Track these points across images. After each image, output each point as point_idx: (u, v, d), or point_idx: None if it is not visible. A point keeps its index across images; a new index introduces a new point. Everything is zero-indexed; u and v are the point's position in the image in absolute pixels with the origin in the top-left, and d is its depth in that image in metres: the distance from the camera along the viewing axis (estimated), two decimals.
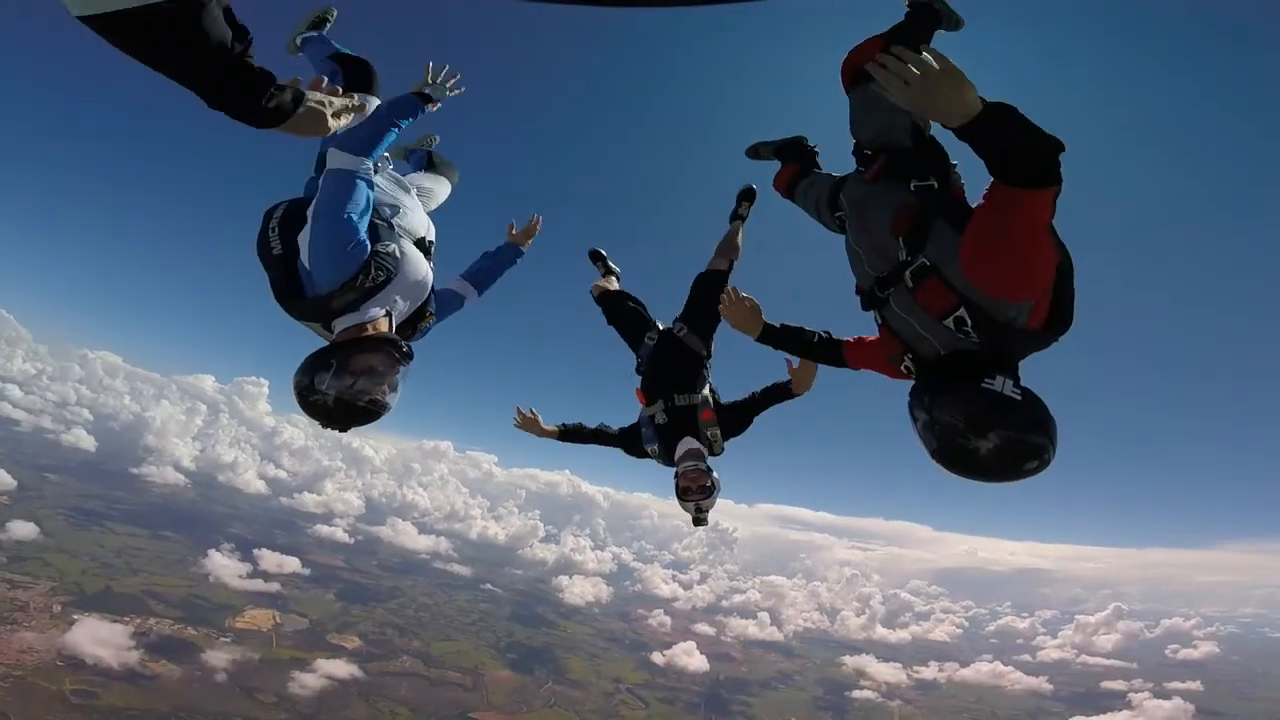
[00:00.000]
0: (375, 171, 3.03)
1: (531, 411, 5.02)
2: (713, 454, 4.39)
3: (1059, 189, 1.87)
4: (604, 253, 5.74)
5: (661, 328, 4.90)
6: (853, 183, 2.97)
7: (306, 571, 78.93)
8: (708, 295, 4.53)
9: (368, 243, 2.71)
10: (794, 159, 3.89)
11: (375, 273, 2.67)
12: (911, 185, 2.54)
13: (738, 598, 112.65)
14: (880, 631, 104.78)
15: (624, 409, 4.80)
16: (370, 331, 2.69)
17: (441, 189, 3.91)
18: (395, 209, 3.05)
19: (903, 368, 2.59)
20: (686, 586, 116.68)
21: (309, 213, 2.77)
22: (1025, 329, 2.17)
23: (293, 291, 2.72)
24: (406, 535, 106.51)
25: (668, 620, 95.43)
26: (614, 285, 5.48)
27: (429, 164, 4.13)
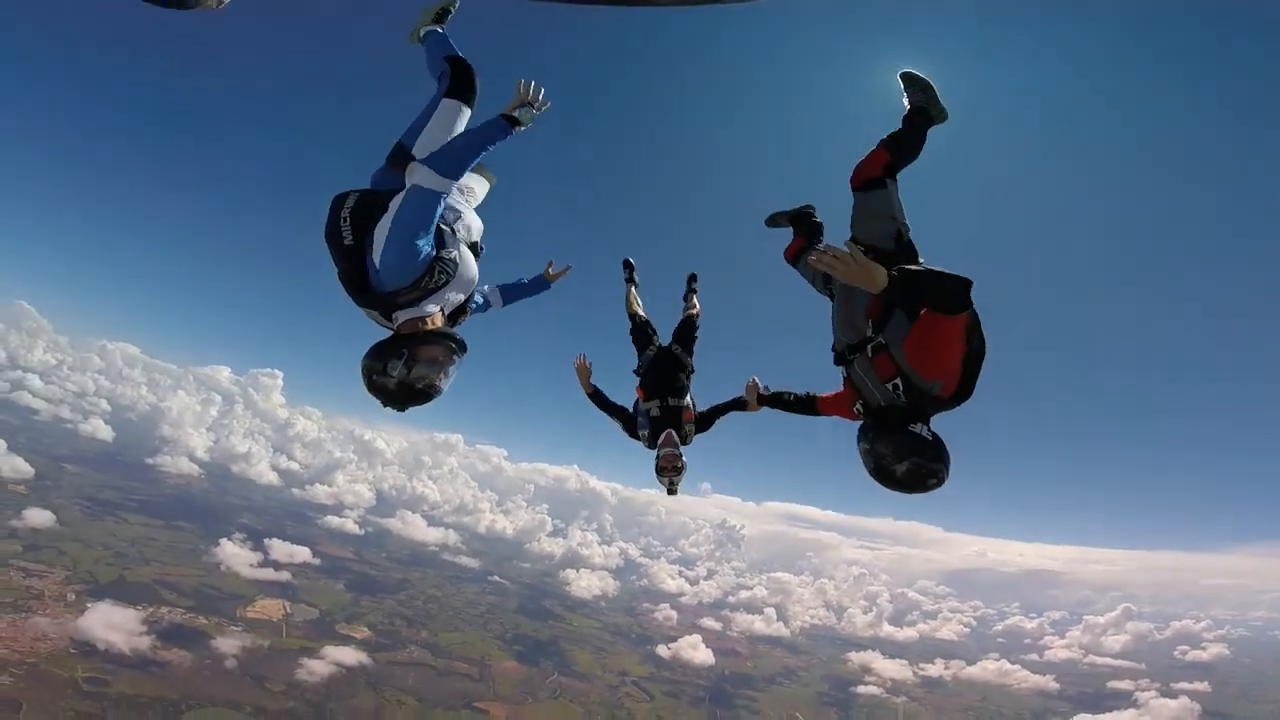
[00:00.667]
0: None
1: (589, 362, 6.33)
2: (684, 444, 5.80)
3: (966, 313, 3.01)
4: (633, 263, 7.23)
5: (660, 345, 6.43)
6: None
7: (317, 561, 79.87)
8: (687, 329, 6.47)
9: (434, 251, 3.12)
10: (803, 232, 4.92)
11: (438, 276, 3.12)
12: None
13: (744, 594, 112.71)
14: (887, 629, 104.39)
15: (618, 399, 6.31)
16: (429, 325, 3.15)
17: (481, 188, 4.32)
18: (458, 215, 3.48)
19: (854, 409, 3.74)
20: (693, 582, 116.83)
21: (387, 218, 3.08)
22: (938, 397, 3.34)
23: (361, 285, 3.09)
24: (416, 527, 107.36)
25: (674, 614, 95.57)
26: (640, 307, 7.01)
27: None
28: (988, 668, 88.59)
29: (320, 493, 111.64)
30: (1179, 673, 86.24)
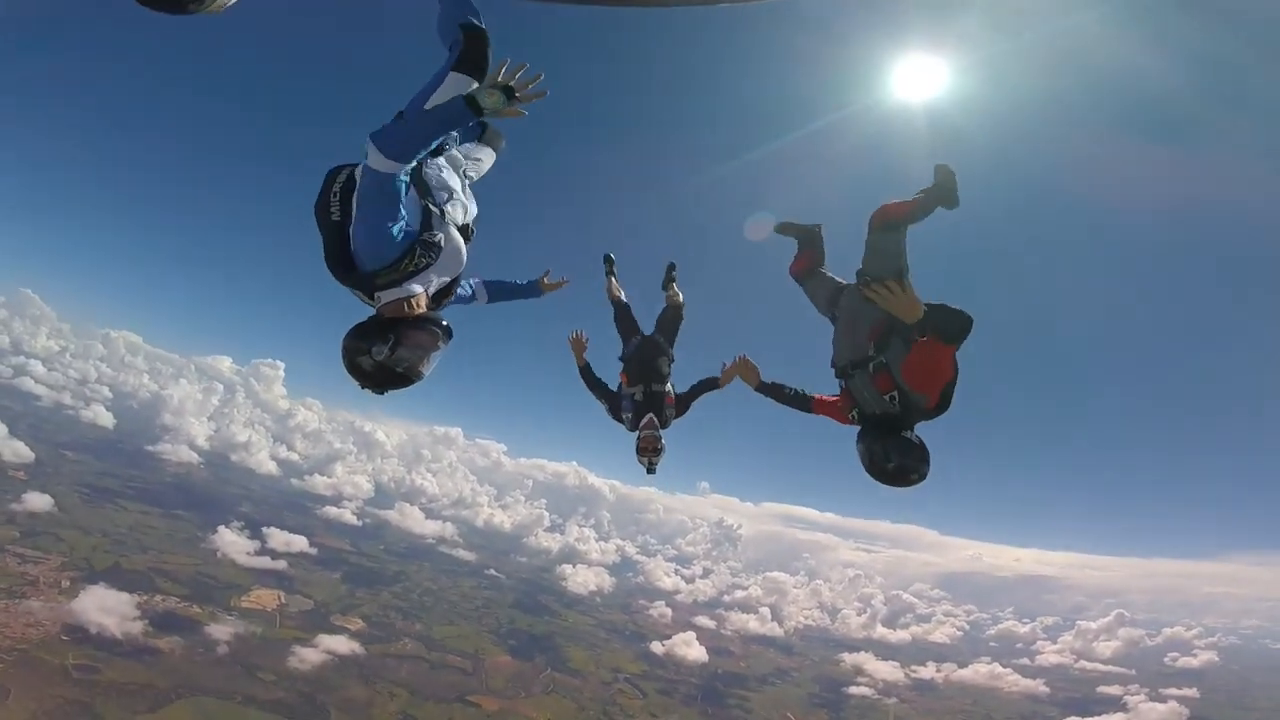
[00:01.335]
0: (436, 156, 3.37)
1: (586, 337, 6.59)
2: (664, 427, 6.19)
3: (958, 346, 3.74)
4: (613, 258, 7.49)
5: (644, 334, 6.77)
6: (850, 293, 4.62)
7: (314, 551, 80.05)
8: (670, 319, 6.85)
9: (413, 231, 3.05)
10: (809, 249, 5.30)
11: (419, 259, 3.03)
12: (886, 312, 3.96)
13: (739, 593, 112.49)
14: (880, 631, 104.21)
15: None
16: (414, 309, 3.06)
17: (488, 159, 4.20)
18: (450, 195, 3.36)
19: (850, 416, 4.45)
20: (689, 580, 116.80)
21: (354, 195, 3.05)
22: (924, 408, 4.08)
23: (344, 262, 3.03)
24: (414, 520, 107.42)
25: (669, 612, 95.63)
26: (620, 292, 7.28)
27: (481, 134, 4.27)
28: (979, 671, 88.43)
29: (319, 483, 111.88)
30: (1168, 679, 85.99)
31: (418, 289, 3.09)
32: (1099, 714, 77.14)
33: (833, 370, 4.60)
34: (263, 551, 74.78)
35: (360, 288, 3.07)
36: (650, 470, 6.12)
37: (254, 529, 78.08)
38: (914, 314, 3.69)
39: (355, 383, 3.01)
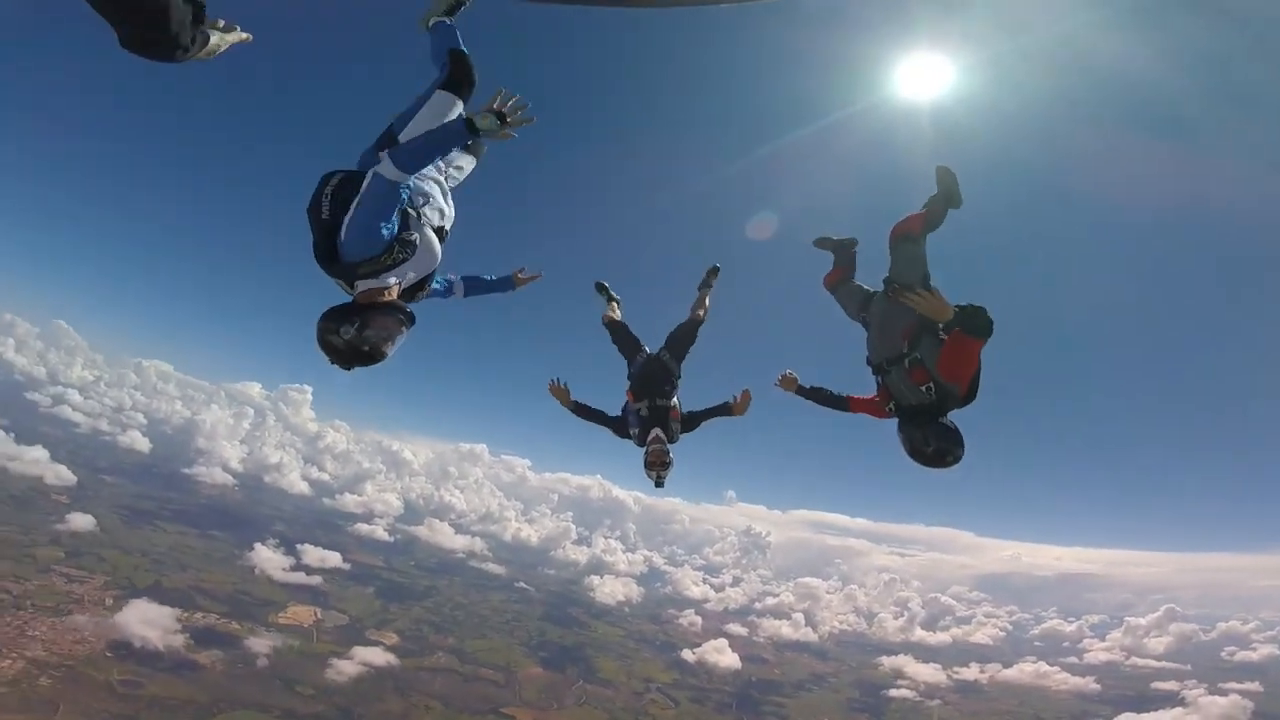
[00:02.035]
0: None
1: (563, 384, 6.72)
2: (671, 441, 6.26)
3: (985, 340, 4.27)
4: (606, 284, 7.65)
5: (650, 352, 6.82)
6: (879, 299, 5.09)
7: (347, 567, 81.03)
8: (685, 337, 6.81)
9: (395, 230, 3.50)
10: (843, 263, 5.81)
11: (397, 255, 3.49)
12: (916, 313, 4.53)
13: (771, 600, 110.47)
14: (919, 634, 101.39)
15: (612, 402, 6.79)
16: (386, 297, 3.53)
17: (469, 165, 4.65)
18: (426, 199, 3.82)
19: (888, 409, 4.91)
20: (718, 589, 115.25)
21: (357, 198, 3.48)
22: (956, 397, 4.54)
23: (329, 256, 3.48)
24: (443, 535, 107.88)
25: (699, 620, 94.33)
26: (618, 314, 7.42)
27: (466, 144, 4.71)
28: (1025, 670, 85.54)
29: (350, 502, 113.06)
30: (1228, 673, 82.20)
31: (392, 281, 3.56)
32: (1156, 710, 74.22)
33: (869, 368, 5.12)
34: (298, 568, 76.00)
35: (343, 278, 3.53)
36: (659, 484, 6.17)
37: (289, 546, 79.38)
38: (944, 315, 4.31)
39: (326, 358, 3.40)
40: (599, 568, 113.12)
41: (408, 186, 3.56)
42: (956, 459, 4.50)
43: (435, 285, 4.21)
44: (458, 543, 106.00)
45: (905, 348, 4.72)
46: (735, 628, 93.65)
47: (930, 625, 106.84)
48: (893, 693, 78.43)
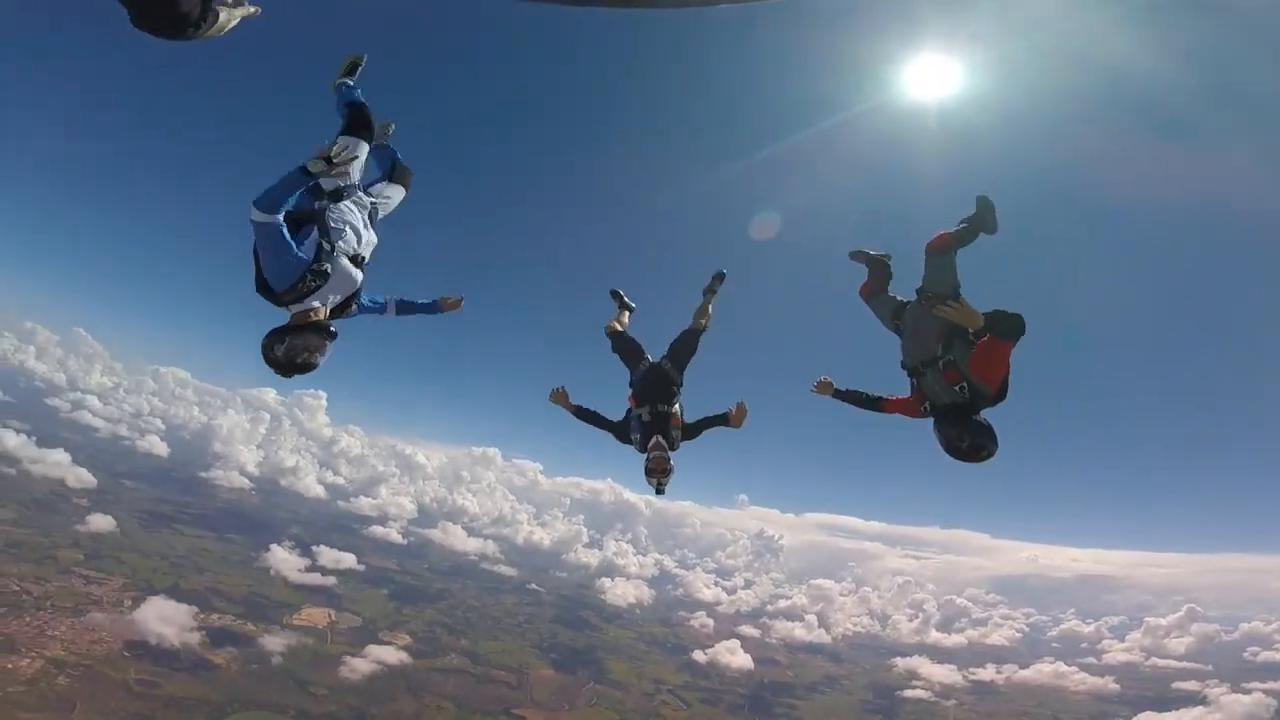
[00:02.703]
0: (338, 199, 4.50)
1: (563, 390, 6.81)
2: (672, 449, 6.30)
3: (1015, 343, 4.52)
4: (622, 292, 7.69)
5: (652, 360, 6.83)
6: (912, 308, 5.42)
7: (362, 568, 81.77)
8: (686, 345, 6.82)
9: (304, 260, 4.07)
10: (878, 275, 6.03)
11: (311, 282, 4.10)
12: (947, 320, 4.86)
13: (783, 603, 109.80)
14: (934, 636, 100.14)
15: (616, 407, 6.85)
16: (313, 317, 4.16)
17: (397, 195, 5.20)
18: (340, 233, 4.35)
19: (923, 409, 5.16)
20: (730, 592, 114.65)
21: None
22: (988, 396, 4.79)
23: (261, 285, 4.11)
24: (456, 538, 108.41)
25: (710, 623, 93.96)
26: (625, 323, 7.52)
27: (391, 172, 5.33)
28: (1042, 671, 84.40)
29: (365, 505, 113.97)
30: (1250, 674, 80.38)
31: (316, 304, 4.18)
32: (1177, 710, 72.77)
33: (904, 371, 5.41)
34: (313, 568, 76.83)
35: (275, 304, 4.14)
36: (659, 491, 6.24)
37: (304, 549, 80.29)
38: (975, 323, 4.63)
39: (270, 369, 4.09)
40: (610, 570, 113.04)
41: (280, 225, 4.04)
42: (990, 454, 4.78)
43: (365, 303, 4.76)
44: (470, 545, 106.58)
45: (939, 350, 5.02)
46: (748, 629, 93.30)
47: (945, 627, 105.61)
48: (907, 693, 77.75)
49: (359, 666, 60.06)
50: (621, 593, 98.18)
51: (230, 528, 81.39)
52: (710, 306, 7.13)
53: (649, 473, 6.18)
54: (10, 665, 45.93)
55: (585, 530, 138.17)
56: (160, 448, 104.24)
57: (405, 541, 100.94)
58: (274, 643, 59.47)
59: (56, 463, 77.06)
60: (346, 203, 4.55)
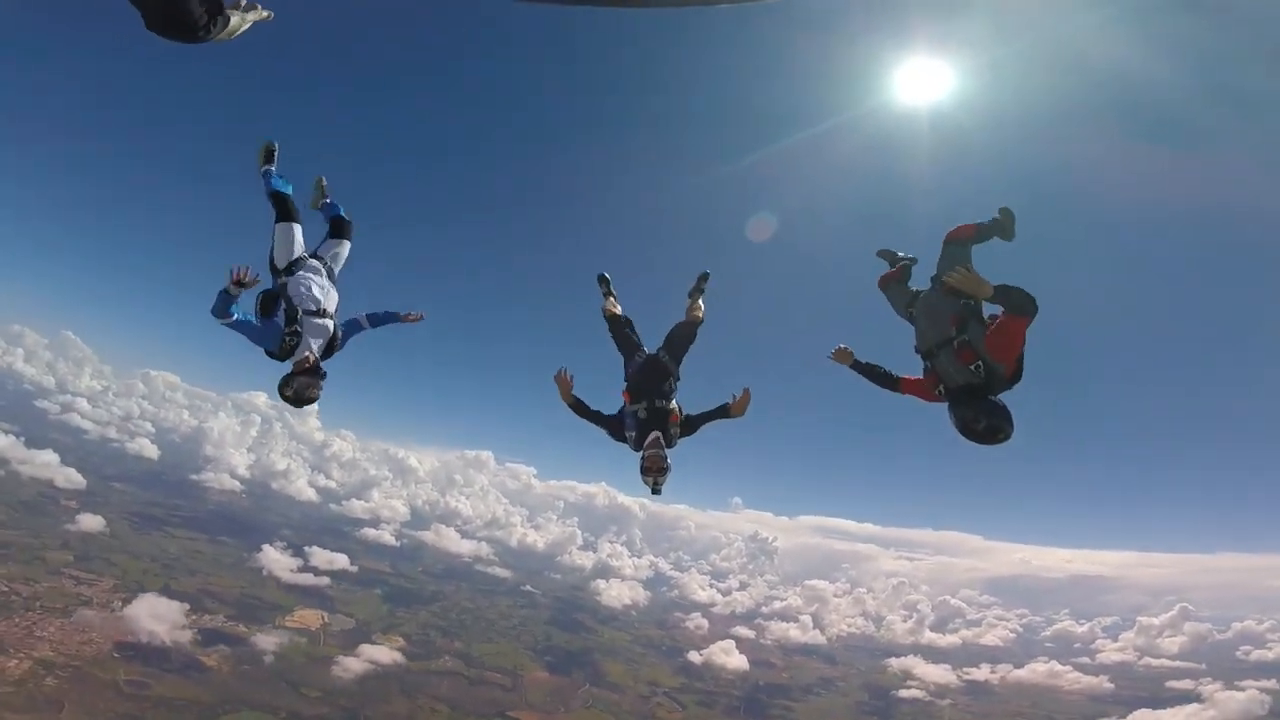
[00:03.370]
0: (293, 272, 5.71)
1: (571, 376, 6.59)
2: (669, 446, 6.06)
3: (1031, 319, 4.57)
4: (608, 277, 7.50)
5: (648, 351, 6.62)
6: (925, 295, 5.54)
7: (355, 569, 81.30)
8: (684, 336, 6.65)
9: (279, 327, 5.43)
10: (900, 270, 6.17)
11: (290, 341, 5.45)
12: (961, 302, 5.04)
13: (778, 604, 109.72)
14: (929, 636, 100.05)
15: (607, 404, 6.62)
16: (307, 362, 5.46)
17: (344, 248, 6.23)
18: (301, 299, 5.56)
19: (937, 392, 5.15)
20: (725, 593, 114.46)
21: None
22: (1004, 376, 4.78)
23: (266, 351, 5.52)
24: (450, 540, 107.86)
25: (705, 624, 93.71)
26: (618, 309, 7.26)
27: (333, 230, 6.30)
28: (1037, 670, 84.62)
29: (357, 508, 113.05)
30: (1244, 672, 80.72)
31: (305, 353, 5.47)
32: (1171, 708, 73.13)
33: (918, 355, 5.43)
34: (305, 569, 76.26)
35: (278, 360, 5.48)
36: (655, 490, 6.00)
37: (296, 550, 79.82)
38: (983, 291, 4.66)
39: (285, 405, 5.53)
40: (605, 572, 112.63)
41: (241, 319, 5.38)
42: (1006, 435, 4.70)
43: (343, 332, 5.89)
44: (464, 547, 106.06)
45: (953, 332, 5.02)
46: (743, 631, 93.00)
47: (939, 628, 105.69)
48: (902, 693, 77.78)
49: (352, 666, 59.62)
50: (616, 594, 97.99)
51: (221, 530, 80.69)
52: (700, 302, 7.03)
53: (645, 471, 5.93)
54: None
55: (579, 533, 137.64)
56: (150, 450, 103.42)
57: (398, 544, 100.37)
58: (266, 643, 58.96)
59: (45, 464, 76.41)
60: (301, 272, 5.72)
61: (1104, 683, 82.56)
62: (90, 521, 68.12)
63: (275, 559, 75.39)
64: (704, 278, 7.21)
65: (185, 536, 75.30)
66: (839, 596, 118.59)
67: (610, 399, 6.54)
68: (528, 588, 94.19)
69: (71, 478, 76.07)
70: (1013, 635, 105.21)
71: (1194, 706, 72.77)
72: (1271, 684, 74.30)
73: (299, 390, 5.45)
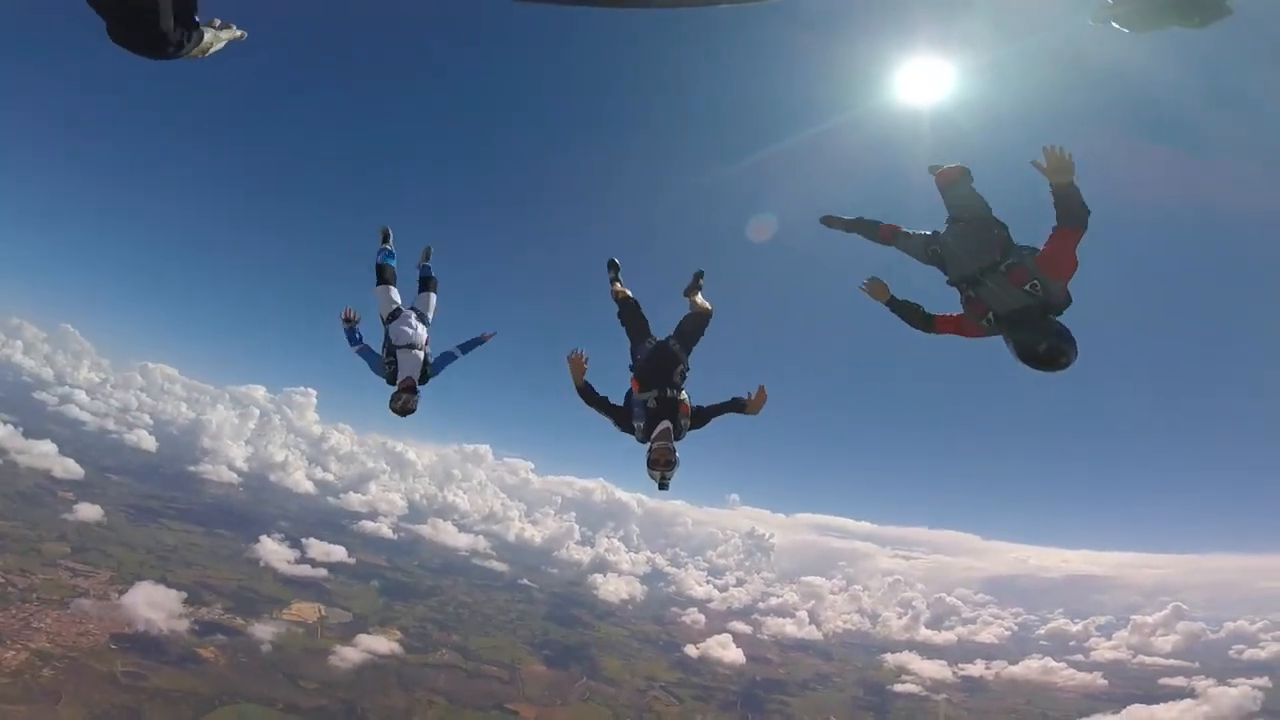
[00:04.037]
0: (393, 320, 7.66)
1: (586, 359, 6.31)
2: (677, 438, 5.77)
3: (1084, 231, 4.45)
4: (618, 263, 7.41)
5: (659, 339, 6.39)
6: (949, 229, 5.37)
7: (352, 561, 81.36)
8: (695, 327, 6.44)
9: (379, 357, 7.48)
10: (872, 227, 6.05)
11: (389, 369, 7.35)
12: (994, 230, 5.00)
13: (774, 600, 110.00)
14: (924, 633, 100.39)
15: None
16: (405, 384, 7.12)
17: (432, 299, 8.12)
18: (398, 336, 7.45)
19: (984, 323, 4.87)
20: (722, 589, 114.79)
21: None
22: (1062, 293, 4.55)
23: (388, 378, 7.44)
24: (447, 534, 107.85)
25: (702, 619, 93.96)
26: (629, 291, 7.06)
27: (423, 286, 8.25)
28: (1032, 666, 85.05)
29: (355, 500, 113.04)
30: (1236, 670, 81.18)
31: (403, 377, 7.19)
32: (1165, 704, 73.60)
33: (955, 287, 5.18)
34: (302, 560, 76.27)
35: (388, 383, 7.35)
36: (662, 485, 5.66)
37: (294, 542, 79.79)
38: (1068, 174, 4.43)
39: (394, 415, 7.17)
40: (602, 567, 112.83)
41: (360, 350, 7.76)
42: (1069, 360, 4.40)
43: (437, 364, 7.59)
44: (461, 541, 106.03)
45: (998, 256, 4.80)
46: (739, 626, 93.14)
47: (935, 625, 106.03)
48: (898, 688, 78.04)
49: (350, 656, 59.64)
50: (614, 589, 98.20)
51: (218, 522, 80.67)
52: (701, 297, 6.83)
53: (652, 464, 5.59)
54: None
55: (577, 528, 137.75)
56: (148, 442, 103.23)
57: (395, 537, 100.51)
58: (263, 635, 58.98)
59: (43, 454, 76.26)
60: (399, 320, 7.61)
61: (1098, 679, 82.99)
62: (87, 513, 68.04)
63: (272, 550, 75.43)
64: (699, 276, 7.06)
65: (182, 528, 75.28)
66: (835, 593, 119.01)
67: (613, 394, 6.32)
68: (525, 582, 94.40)
69: (69, 468, 76.00)
70: (1008, 633, 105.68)
71: (1188, 702, 73.22)
72: (1264, 681, 74.79)
73: (403, 404, 7.09)
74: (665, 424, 5.71)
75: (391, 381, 7.22)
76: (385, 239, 8.24)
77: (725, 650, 79.95)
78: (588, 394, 6.21)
